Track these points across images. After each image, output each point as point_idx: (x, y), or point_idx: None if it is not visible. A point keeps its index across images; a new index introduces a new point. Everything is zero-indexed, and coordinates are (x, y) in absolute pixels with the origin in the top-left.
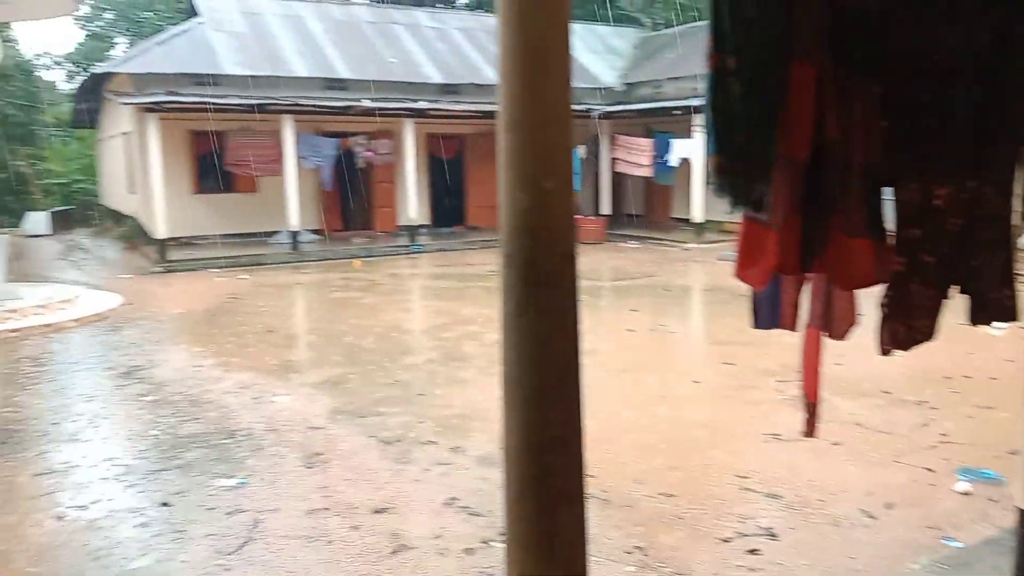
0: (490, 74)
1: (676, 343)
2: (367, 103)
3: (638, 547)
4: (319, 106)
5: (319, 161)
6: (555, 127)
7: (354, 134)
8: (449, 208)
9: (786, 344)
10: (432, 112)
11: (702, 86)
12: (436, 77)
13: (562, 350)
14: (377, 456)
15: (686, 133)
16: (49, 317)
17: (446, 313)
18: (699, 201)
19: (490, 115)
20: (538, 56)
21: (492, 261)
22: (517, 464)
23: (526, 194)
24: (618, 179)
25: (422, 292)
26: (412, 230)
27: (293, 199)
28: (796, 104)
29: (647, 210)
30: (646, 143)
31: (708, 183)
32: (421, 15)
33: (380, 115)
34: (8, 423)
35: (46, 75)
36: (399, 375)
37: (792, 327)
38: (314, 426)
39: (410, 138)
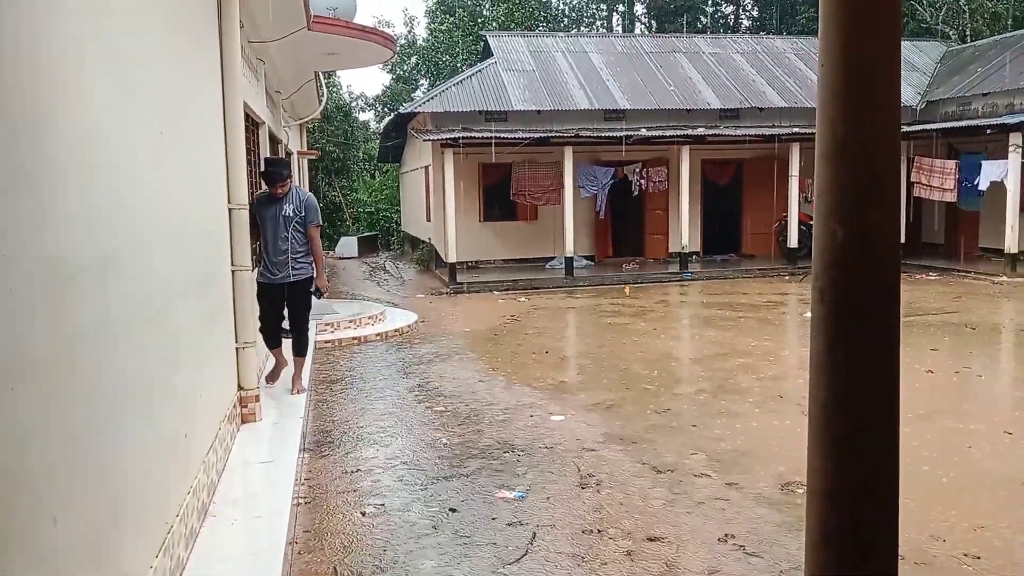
0: (772, 97)
1: (983, 388)
2: (644, 131)
3: None
4: (598, 137)
5: (595, 189)
6: (883, 155)
7: (629, 162)
8: (722, 235)
9: None
10: (710, 138)
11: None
12: (715, 103)
13: (877, 393)
14: (650, 484)
15: (998, 154)
16: (358, 331)
17: (719, 343)
18: (1014, 230)
19: (770, 139)
20: (865, 79)
21: (768, 291)
22: (821, 510)
23: (844, 227)
24: (916, 205)
25: (693, 320)
26: (684, 257)
27: (569, 226)
28: None
29: (949, 239)
30: (950, 165)
31: None
32: (701, 42)
33: (656, 143)
34: (325, 424)
35: (360, 115)
36: (671, 404)
37: None
38: (588, 447)
39: (685, 164)
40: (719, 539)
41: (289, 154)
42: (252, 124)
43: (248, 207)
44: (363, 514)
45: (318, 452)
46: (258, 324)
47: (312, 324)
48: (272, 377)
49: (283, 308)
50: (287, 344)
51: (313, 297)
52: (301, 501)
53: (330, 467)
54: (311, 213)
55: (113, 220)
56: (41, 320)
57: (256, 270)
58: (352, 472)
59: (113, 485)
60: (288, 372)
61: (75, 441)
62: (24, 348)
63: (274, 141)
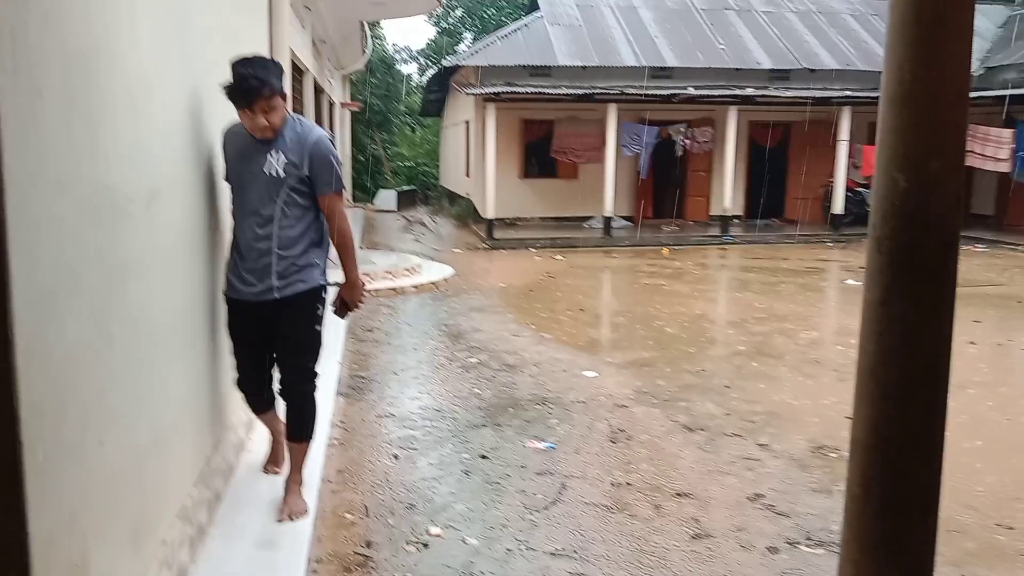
0: (825, 59)
1: None
2: (691, 90)
3: None
4: (644, 95)
5: (637, 149)
6: (950, 104)
7: (674, 122)
8: (766, 199)
9: None
10: (758, 99)
11: None
12: (765, 63)
13: (930, 344)
14: (680, 442)
15: None
16: (394, 282)
17: (756, 307)
18: None
19: (821, 102)
20: (936, 25)
21: (809, 257)
22: (865, 461)
23: (906, 175)
24: (967, 175)
25: (731, 283)
26: (725, 220)
27: (610, 186)
28: None
29: (1000, 210)
30: (1007, 134)
31: None
32: None
33: (703, 102)
34: (360, 370)
35: (404, 68)
36: (705, 364)
37: None
38: (620, 404)
39: (732, 126)
40: (747, 498)
41: (331, 104)
42: (297, 72)
43: (223, 152)
44: (395, 457)
45: (353, 397)
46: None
47: (325, 373)
48: (274, 462)
49: (270, 348)
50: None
51: (336, 317)
52: (335, 442)
53: (364, 411)
54: (322, 170)
55: (159, 157)
56: (93, 246)
57: (225, 272)
58: (385, 417)
59: (154, 414)
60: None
61: (120, 368)
62: (75, 274)
63: (318, 91)
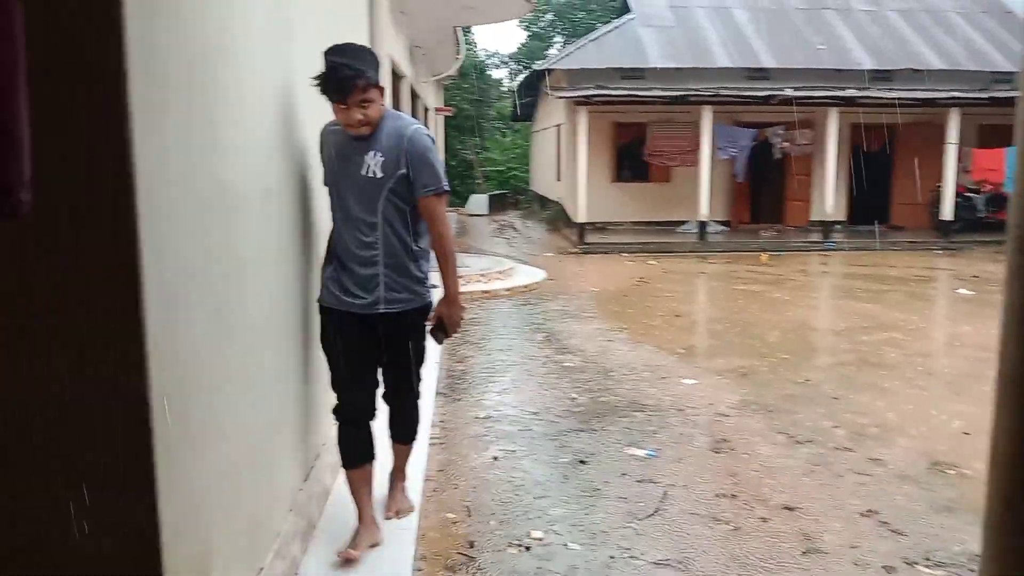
0: (930, 58)
1: None
2: (789, 92)
3: None
4: (740, 96)
5: (734, 152)
6: None
7: (771, 124)
8: (869, 204)
9: None
10: (860, 100)
11: None
12: (866, 63)
13: None
14: (786, 453)
15: None
16: (487, 285)
17: (862, 316)
18: None
19: (927, 103)
20: None
21: (918, 264)
22: (1007, 478)
23: None
24: None
25: (834, 291)
26: (826, 226)
27: (704, 189)
28: None
29: None
30: None
31: None
32: None
33: (802, 104)
34: (457, 371)
35: (495, 73)
36: (809, 374)
37: None
38: (721, 413)
39: (832, 127)
40: (860, 514)
41: (426, 109)
42: (395, 77)
43: (321, 154)
44: (495, 458)
45: (451, 397)
46: (333, 398)
47: (427, 379)
48: (358, 544)
49: (376, 359)
50: (381, 442)
51: (430, 338)
52: (435, 441)
53: (462, 412)
54: (421, 167)
55: (269, 156)
56: (213, 242)
57: (323, 279)
58: (483, 418)
59: (267, 408)
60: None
61: (238, 362)
62: (197, 269)
63: (413, 96)
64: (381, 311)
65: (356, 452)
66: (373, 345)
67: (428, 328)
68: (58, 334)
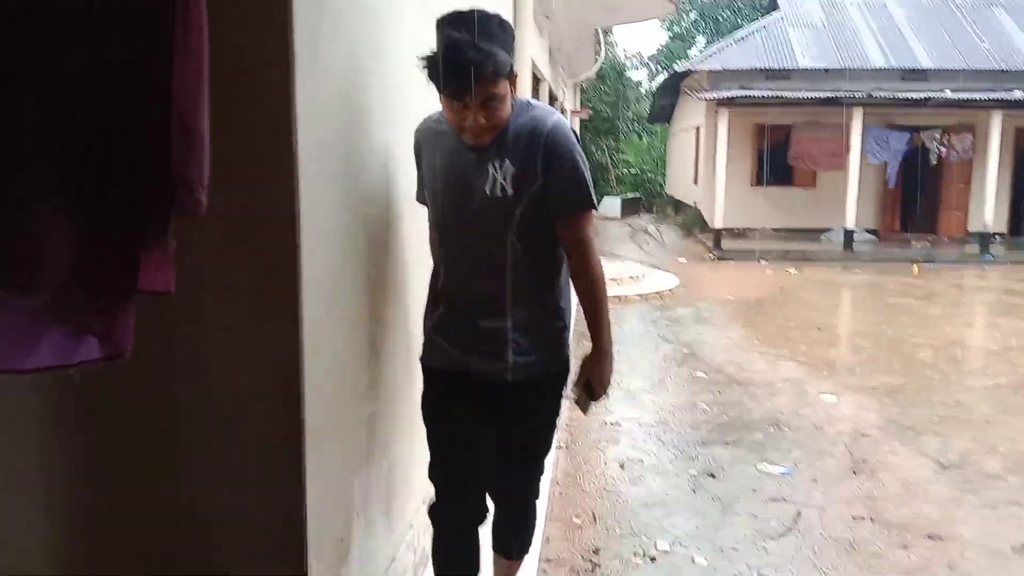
0: None
1: None
2: (948, 94)
3: None
4: (894, 98)
5: (886, 156)
6: None
7: (927, 128)
8: None
9: None
10: None
11: None
12: None
13: None
14: (932, 478)
15: None
16: (619, 290)
17: (1022, 335)
18: None
19: None
20: None
21: None
22: None
23: None
24: None
25: (993, 308)
26: (985, 238)
27: (852, 196)
28: None
29: None
30: None
31: None
32: None
33: (964, 106)
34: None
35: (633, 75)
36: (962, 396)
37: None
38: (862, 432)
39: (996, 132)
40: (1013, 548)
41: (563, 111)
42: (535, 81)
43: (417, 160)
44: (621, 466)
45: None
46: (430, 491)
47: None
48: None
49: (490, 436)
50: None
51: (564, 403)
52: (562, 445)
53: (589, 417)
54: (560, 178)
55: (409, 160)
56: (361, 243)
57: (424, 331)
58: (611, 424)
59: (415, 430)
60: None
61: (396, 389)
62: (345, 272)
63: (552, 99)
64: (508, 379)
65: (457, 566)
66: (492, 421)
67: (572, 397)
68: (223, 323)
